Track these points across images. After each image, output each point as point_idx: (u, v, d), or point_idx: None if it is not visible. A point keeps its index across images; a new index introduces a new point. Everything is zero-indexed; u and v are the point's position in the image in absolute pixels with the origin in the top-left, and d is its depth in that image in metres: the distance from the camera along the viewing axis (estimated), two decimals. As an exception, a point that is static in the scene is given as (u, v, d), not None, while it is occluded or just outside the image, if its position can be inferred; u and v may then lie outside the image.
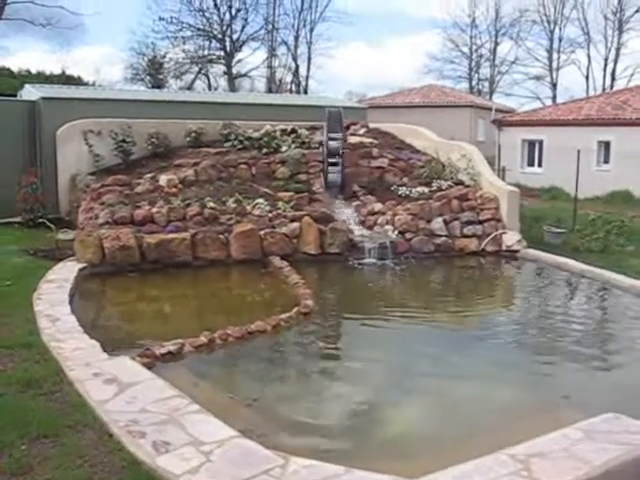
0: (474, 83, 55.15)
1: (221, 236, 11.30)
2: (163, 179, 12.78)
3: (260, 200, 12.35)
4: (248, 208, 12.04)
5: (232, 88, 45.87)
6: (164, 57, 46.69)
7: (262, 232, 11.47)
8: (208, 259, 11.13)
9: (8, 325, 7.25)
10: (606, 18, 48.36)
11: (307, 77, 49.82)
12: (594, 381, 6.81)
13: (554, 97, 50.05)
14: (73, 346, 6.50)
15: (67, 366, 5.93)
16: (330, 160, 13.95)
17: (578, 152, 15.66)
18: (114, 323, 8.47)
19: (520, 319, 9.20)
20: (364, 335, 8.27)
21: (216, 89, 47.77)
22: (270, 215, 11.93)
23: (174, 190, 12.52)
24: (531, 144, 26.73)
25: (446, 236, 12.57)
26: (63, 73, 36.15)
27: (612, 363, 7.36)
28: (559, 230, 13.45)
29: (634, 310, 9.33)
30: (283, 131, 15.33)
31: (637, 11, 47.01)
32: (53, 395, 5.38)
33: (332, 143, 14.00)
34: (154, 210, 11.58)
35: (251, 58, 53.13)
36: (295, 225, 11.75)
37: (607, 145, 23.96)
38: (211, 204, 11.95)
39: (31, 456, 4.40)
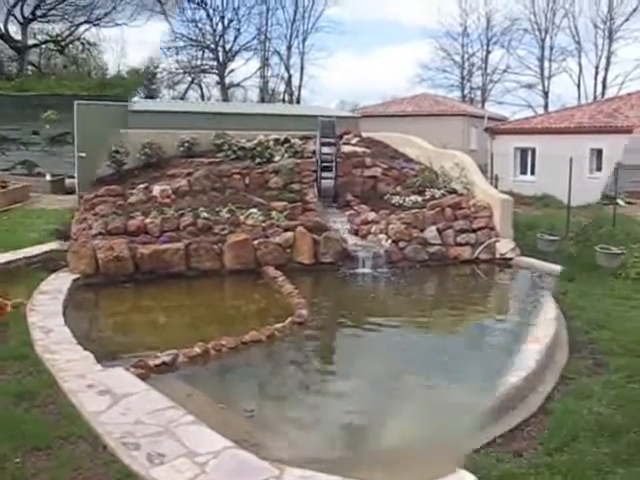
0: (466, 92, 55.39)
1: (215, 246, 11.28)
2: (156, 189, 12.77)
3: (253, 210, 12.35)
4: (242, 218, 12.05)
5: (225, 98, 45.99)
6: (157, 67, 46.83)
7: (256, 242, 11.46)
8: (202, 269, 11.10)
9: (1, 337, 7.21)
10: (596, 27, 48.82)
11: (300, 87, 50.12)
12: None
13: (546, 105, 50.37)
14: (67, 357, 6.48)
15: (61, 377, 5.91)
16: (323, 170, 13.97)
17: (570, 160, 15.70)
18: (108, 334, 8.44)
19: (507, 327, 9.21)
20: (357, 345, 8.25)
21: (209, 99, 47.95)
22: (264, 225, 11.92)
23: (167, 200, 12.52)
24: (523, 152, 26.86)
25: (440, 244, 12.58)
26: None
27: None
28: (552, 237, 13.45)
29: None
30: (276, 141, 15.33)
31: (627, 20, 47.52)
32: (47, 407, 5.36)
33: (325, 153, 14.02)
34: (148, 220, 11.58)
35: (244, 68, 53.26)
36: (289, 235, 11.74)
37: (599, 153, 24.09)
38: (205, 214, 11.95)
39: (25, 469, 4.38)
